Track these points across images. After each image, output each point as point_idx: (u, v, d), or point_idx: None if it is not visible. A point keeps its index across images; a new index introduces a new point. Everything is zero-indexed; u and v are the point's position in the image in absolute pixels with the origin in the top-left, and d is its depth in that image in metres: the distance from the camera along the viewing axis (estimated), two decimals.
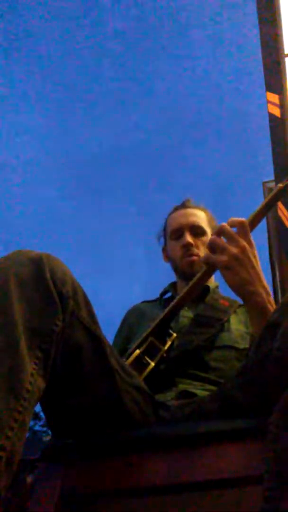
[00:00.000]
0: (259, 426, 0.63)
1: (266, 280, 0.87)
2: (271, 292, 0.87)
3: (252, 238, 0.88)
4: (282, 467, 0.55)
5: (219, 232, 0.87)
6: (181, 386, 0.94)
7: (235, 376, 0.78)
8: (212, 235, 0.90)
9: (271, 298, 0.85)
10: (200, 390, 0.93)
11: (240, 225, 0.86)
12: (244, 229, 0.86)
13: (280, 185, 0.98)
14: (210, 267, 0.92)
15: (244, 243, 0.84)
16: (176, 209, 1.30)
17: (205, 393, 0.92)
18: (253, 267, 0.84)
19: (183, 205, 1.29)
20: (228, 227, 0.87)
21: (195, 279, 0.98)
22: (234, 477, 0.65)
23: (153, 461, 0.69)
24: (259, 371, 0.71)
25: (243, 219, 0.88)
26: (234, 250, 0.83)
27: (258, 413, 0.66)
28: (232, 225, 0.87)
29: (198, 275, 0.98)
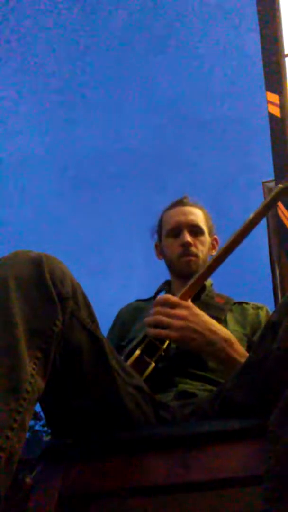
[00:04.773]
0: (259, 426, 0.63)
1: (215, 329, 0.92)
2: (228, 338, 0.91)
3: (185, 303, 0.94)
4: (282, 467, 0.55)
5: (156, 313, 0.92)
6: (181, 386, 0.94)
7: (235, 376, 0.78)
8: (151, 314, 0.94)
9: (236, 344, 0.91)
10: (200, 390, 0.93)
11: (166, 302, 0.93)
12: (171, 303, 0.93)
13: (281, 185, 0.98)
14: (214, 264, 0.98)
15: (182, 311, 0.91)
16: (173, 206, 1.27)
17: (205, 393, 0.92)
18: (203, 327, 0.89)
19: (181, 202, 1.26)
20: (159, 307, 0.93)
21: (195, 278, 0.98)
22: (234, 477, 0.65)
23: (153, 461, 0.69)
24: (259, 371, 0.71)
25: (164, 296, 0.96)
26: (177, 323, 0.89)
27: (258, 413, 0.66)
28: (159, 304, 0.94)
29: (198, 275, 0.98)
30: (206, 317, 0.92)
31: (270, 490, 0.54)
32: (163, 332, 0.90)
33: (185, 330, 0.88)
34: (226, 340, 0.90)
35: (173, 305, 0.92)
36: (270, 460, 0.56)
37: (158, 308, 0.93)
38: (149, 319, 0.93)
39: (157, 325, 0.91)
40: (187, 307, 0.92)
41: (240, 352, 0.90)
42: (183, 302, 0.93)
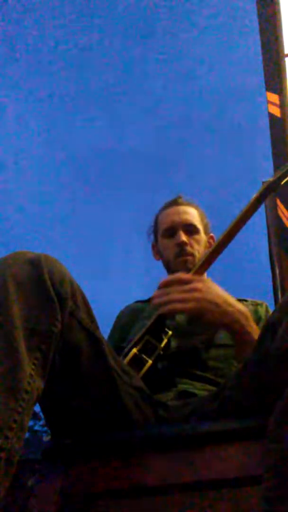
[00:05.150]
0: (259, 426, 0.63)
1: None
2: (248, 314, 0.89)
3: (200, 277, 0.93)
4: (282, 467, 0.55)
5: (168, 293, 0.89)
6: (181, 387, 0.94)
7: (235, 376, 0.78)
8: (161, 294, 0.91)
9: (251, 320, 0.88)
10: (200, 390, 0.93)
11: (178, 280, 0.90)
12: (183, 280, 0.90)
13: (270, 179, 0.99)
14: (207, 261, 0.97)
15: (195, 284, 0.88)
16: (168, 206, 1.27)
17: (205, 393, 0.92)
18: (219, 296, 0.87)
19: (175, 202, 1.27)
20: (171, 287, 0.90)
21: (206, 255, 0.99)
22: (234, 477, 0.65)
23: (153, 461, 0.69)
24: (259, 371, 0.71)
25: (176, 275, 0.94)
26: (192, 295, 0.87)
27: (258, 413, 0.66)
28: (170, 283, 0.91)
29: (193, 271, 0.98)
30: (222, 290, 0.90)
31: (270, 490, 0.54)
32: (178, 305, 0.87)
33: (201, 301, 0.85)
34: (242, 313, 0.87)
35: (187, 282, 0.89)
36: (270, 460, 0.56)
37: (172, 288, 0.89)
38: (161, 299, 0.89)
39: (172, 301, 0.88)
40: (201, 280, 0.89)
41: (254, 327, 0.88)
42: (195, 277, 0.91)
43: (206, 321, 0.87)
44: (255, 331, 0.87)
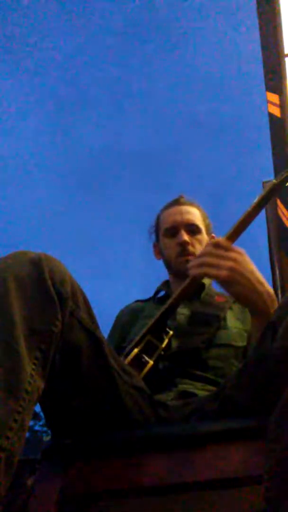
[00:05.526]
0: (259, 426, 0.63)
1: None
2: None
3: (239, 248, 0.88)
4: (282, 467, 0.55)
5: (205, 254, 0.87)
6: (181, 387, 0.94)
7: (235, 376, 0.78)
8: (197, 256, 0.90)
9: (274, 299, 0.85)
10: (200, 390, 0.93)
11: (217, 244, 0.87)
12: (223, 245, 0.87)
13: (274, 181, 0.98)
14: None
15: (234, 254, 0.85)
16: (170, 205, 1.27)
17: (205, 393, 0.92)
18: (252, 272, 0.84)
19: (177, 202, 1.26)
20: (210, 248, 0.87)
21: (191, 276, 0.98)
22: (234, 477, 0.65)
23: (153, 461, 0.69)
24: (259, 371, 0.71)
25: (216, 239, 0.90)
26: (228, 263, 0.84)
27: (258, 413, 0.66)
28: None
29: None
30: (255, 267, 0.87)
31: (270, 490, 0.54)
32: (212, 271, 0.84)
33: (235, 271, 0.83)
34: (270, 295, 0.85)
35: (226, 249, 0.87)
36: (270, 460, 0.56)
37: (210, 249, 0.87)
38: (195, 260, 0.88)
39: (207, 264, 0.86)
40: (239, 252, 0.87)
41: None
42: (236, 247, 0.88)
43: (233, 293, 0.85)
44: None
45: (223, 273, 0.83)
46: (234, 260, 0.84)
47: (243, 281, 0.83)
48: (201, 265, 0.86)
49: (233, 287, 0.84)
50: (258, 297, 0.83)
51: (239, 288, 0.83)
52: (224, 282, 0.85)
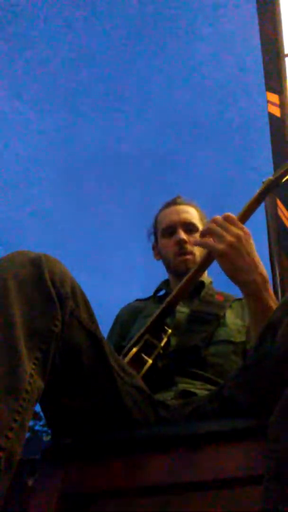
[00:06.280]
0: (259, 426, 0.63)
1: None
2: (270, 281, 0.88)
3: (246, 228, 0.90)
4: (282, 467, 0.55)
5: (213, 222, 0.89)
6: (181, 386, 0.94)
7: (235, 376, 0.78)
8: (206, 224, 0.92)
9: (269, 286, 0.86)
10: (200, 390, 0.93)
11: (227, 217, 0.88)
12: (232, 220, 0.88)
13: (271, 177, 0.99)
14: (206, 260, 0.95)
15: (238, 231, 0.86)
16: (167, 206, 1.28)
17: (205, 392, 0.92)
18: (249, 254, 0.85)
19: (174, 202, 1.27)
20: (220, 218, 0.89)
21: (190, 274, 0.98)
22: (234, 477, 0.65)
23: (153, 461, 0.69)
24: (259, 371, 0.71)
25: (227, 213, 0.91)
26: (229, 238, 0.85)
27: (258, 413, 0.66)
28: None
29: (192, 270, 0.98)
30: (255, 252, 0.88)
31: (270, 490, 0.54)
32: (211, 243, 0.87)
33: (233, 248, 0.84)
34: (264, 278, 0.86)
35: (233, 223, 0.88)
36: (270, 460, 0.56)
37: (218, 217, 0.89)
38: (204, 227, 0.91)
39: (210, 232, 0.88)
40: (244, 231, 0.88)
41: (271, 293, 0.86)
42: (243, 226, 0.89)
43: (224, 269, 0.86)
44: (272, 298, 0.85)
45: (220, 246, 0.85)
46: (237, 236, 0.85)
47: (238, 259, 0.84)
48: (208, 232, 0.89)
49: (226, 263, 0.85)
50: (250, 277, 0.84)
51: (233, 265, 0.84)
52: (219, 256, 0.86)
